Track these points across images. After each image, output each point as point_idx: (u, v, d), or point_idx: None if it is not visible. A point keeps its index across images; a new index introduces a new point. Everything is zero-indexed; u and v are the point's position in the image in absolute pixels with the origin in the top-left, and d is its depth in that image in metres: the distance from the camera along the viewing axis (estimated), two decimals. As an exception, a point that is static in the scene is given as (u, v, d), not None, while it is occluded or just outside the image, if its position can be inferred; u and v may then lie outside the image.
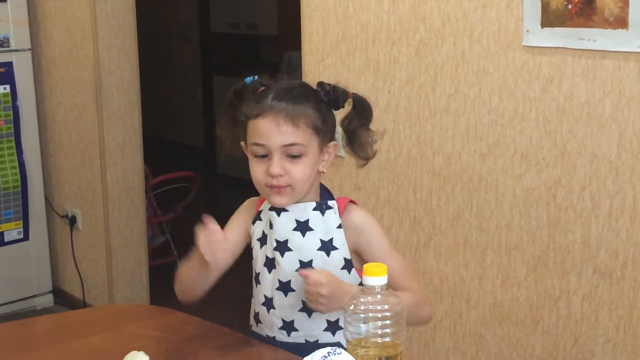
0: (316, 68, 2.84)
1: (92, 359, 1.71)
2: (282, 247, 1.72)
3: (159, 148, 6.37)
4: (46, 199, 4.12)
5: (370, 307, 1.38)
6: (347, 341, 1.41)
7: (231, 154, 1.80)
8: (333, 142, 1.74)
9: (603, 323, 2.21)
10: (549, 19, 2.18)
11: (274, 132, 1.64)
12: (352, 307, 1.39)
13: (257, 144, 1.67)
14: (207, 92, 7.25)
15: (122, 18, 3.74)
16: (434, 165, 2.55)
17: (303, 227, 1.72)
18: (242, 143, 1.75)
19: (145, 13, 4.43)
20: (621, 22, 2.03)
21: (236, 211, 1.85)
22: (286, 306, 1.73)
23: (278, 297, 1.73)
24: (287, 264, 1.72)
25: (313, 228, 1.72)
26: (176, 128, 7.68)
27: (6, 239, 3.96)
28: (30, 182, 4.00)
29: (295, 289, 1.71)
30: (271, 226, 1.74)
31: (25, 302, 4.08)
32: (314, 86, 1.74)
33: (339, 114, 1.76)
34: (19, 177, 3.94)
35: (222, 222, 1.85)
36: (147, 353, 1.59)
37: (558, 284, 2.30)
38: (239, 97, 1.74)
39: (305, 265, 1.71)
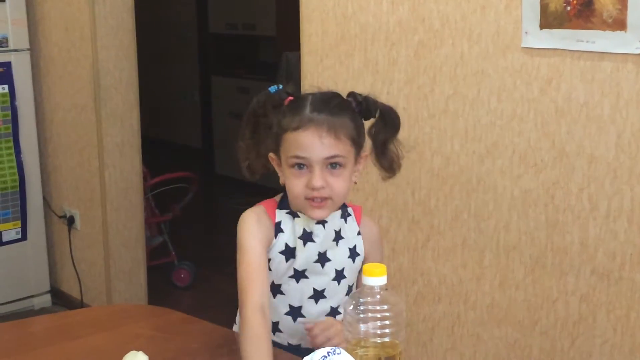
0: (315, 69, 2.84)
1: (90, 359, 1.72)
2: (323, 258, 1.74)
3: (157, 148, 6.37)
4: (44, 199, 4.12)
5: (370, 307, 1.38)
6: (347, 341, 1.41)
7: (253, 168, 1.75)
8: (364, 152, 1.73)
9: (601, 324, 2.21)
10: (548, 20, 2.19)
11: (316, 144, 1.62)
12: (351, 307, 1.40)
13: (298, 157, 1.63)
14: (205, 93, 7.25)
15: (120, 18, 3.73)
16: (432, 166, 2.55)
17: (338, 236, 1.75)
18: (270, 155, 1.71)
19: (143, 13, 4.43)
20: (620, 23, 2.04)
21: (248, 229, 1.69)
22: (315, 314, 1.75)
23: (309, 305, 1.75)
24: (326, 274, 1.75)
25: (343, 236, 1.76)
26: (174, 128, 7.68)
27: (4, 239, 3.96)
28: (29, 182, 4.00)
29: (327, 296, 1.75)
30: (310, 239, 1.72)
31: (23, 302, 4.08)
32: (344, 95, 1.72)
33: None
34: (17, 177, 3.94)
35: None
36: (145, 353, 1.59)
37: (556, 285, 2.30)
38: (263, 107, 1.71)
39: (339, 273, 1.75)
